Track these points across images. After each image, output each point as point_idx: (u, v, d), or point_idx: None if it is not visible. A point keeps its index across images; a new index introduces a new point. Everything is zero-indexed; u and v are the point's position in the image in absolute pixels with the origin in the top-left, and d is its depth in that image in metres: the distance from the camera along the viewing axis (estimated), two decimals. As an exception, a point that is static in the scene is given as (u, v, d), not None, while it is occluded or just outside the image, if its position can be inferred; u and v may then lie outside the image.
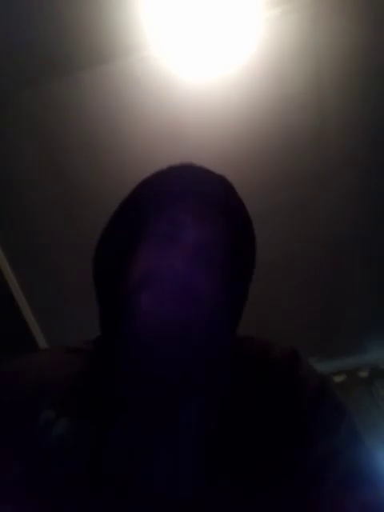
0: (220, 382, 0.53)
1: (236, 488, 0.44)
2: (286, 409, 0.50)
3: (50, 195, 1.60)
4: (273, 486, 0.44)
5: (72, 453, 0.46)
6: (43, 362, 0.59)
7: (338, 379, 1.82)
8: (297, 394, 0.52)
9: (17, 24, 1.28)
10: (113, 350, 0.56)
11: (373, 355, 1.85)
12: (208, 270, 0.57)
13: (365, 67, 1.39)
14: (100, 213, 0.64)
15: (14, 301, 1.68)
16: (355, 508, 0.42)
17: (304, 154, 1.53)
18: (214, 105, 1.43)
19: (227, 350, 0.58)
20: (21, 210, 1.62)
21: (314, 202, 1.62)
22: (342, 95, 1.44)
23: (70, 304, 1.73)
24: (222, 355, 0.57)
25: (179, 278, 0.54)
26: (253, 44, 1.35)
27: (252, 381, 0.53)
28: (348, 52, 1.37)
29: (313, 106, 1.45)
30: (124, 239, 0.62)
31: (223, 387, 0.52)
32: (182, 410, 0.49)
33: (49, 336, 1.79)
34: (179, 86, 1.41)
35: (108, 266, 0.61)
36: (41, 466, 0.46)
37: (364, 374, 1.83)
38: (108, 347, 0.58)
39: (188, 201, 0.61)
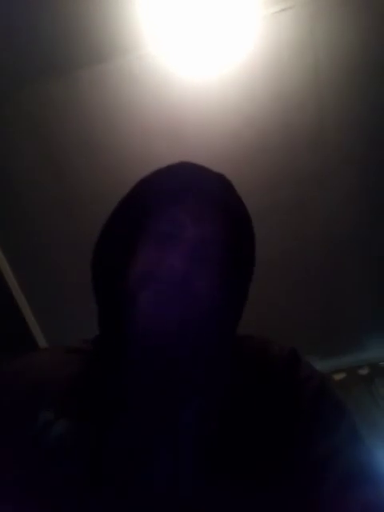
0: (220, 381, 0.53)
1: (236, 488, 0.44)
2: (286, 408, 0.50)
3: (50, 195, 1.60)
4: (273, 485, 0.44)
5: (71, 453, 0.46)
6: (43, 362, 0.59)
7: (337, 377, 1.82)
8: (296, 393, 0.52)
9: (16, 24, 1.28)
10: (112, 350, 0.56)
11: (372, 353, 1.85)
12: (207, 270, 0.57)
13: (363, 65, 1.39)
14: (100, 212, 0.63)
15: (13, 301, 1.68)
16: (356, 507, 0.42)
17: (302, 153, 1.53)
18: (212, 103, 1.43)
19: (227, 349, 0.58)
20: (21, 210, 1.61)
21: (313, 200, 1.62)
22: (340, 93, 1.43)
23: (70, 304, 1.73)
24: (221, 354, 0.57)
25: (178, 277, 0.54)
26: (251, 42, 1.34)
27: (252, 380, 0.53)
28: (346, 50, 1.37)
29: (311, 104, 1.45)
30: (123, 238, 0.62)
31: (223, 387, 0.52)
32: (182, 409, 0.49)
33: (49, 336, 1.79)
34: (177, 84, 1.40)
35: (107, 266, 0.61)
36: (40, 467, 0.46)
37: (364, 372, 1.83)
38: (107, 347, 0.58)
39: (187, 200, 0.61)
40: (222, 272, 0.59)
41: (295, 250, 1.69)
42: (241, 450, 0.46)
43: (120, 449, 0.47)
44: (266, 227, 1.47)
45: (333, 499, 0.44)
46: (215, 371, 0.54)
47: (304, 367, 0.56)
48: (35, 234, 1.66)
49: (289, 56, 1.37)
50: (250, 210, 0.64)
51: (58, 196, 1.60)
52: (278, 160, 1.54)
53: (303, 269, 1.72)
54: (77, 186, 1.58)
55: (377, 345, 1.84)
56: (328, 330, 1.82)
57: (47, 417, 0.49)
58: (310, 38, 1.35)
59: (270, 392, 0.52)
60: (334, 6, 1.31)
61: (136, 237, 0.62)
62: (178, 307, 0.53)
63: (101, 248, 0.62)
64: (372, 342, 1.84)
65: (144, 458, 0.47)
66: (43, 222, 1.64)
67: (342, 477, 0.45)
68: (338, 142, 1.51)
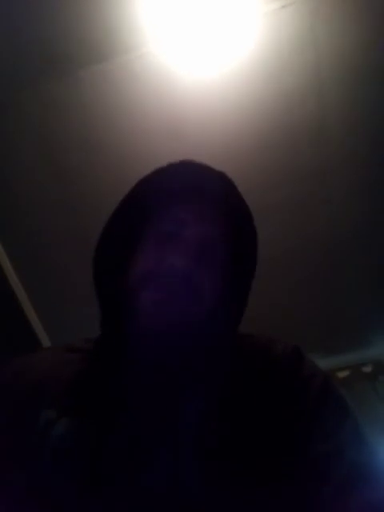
0: (220, 381, 0.53)
1: (236, 488, 0.44)
2: (289, 407, 0.50)
3: (50, 195, 1.60)
4: (274, 485, 0.44)
5: (72, 453, 0.46)
6: (44, 362, 0.58)
7: (341, 375, 1.82)
8: (300, 392, 0.52)
9: (17, 24, 1.28)
10: (113, 349, 0.56)
11: (376, 350, 1.85)
12: (209, 268, 0.57)
13: (364, 62, 1.38)
14: (100, 212, 0.63)
15: (16, 301, 1.68)
16: (358, 507, 0.42)
17: (304, 151, 1.52)
18: (213, 101, 1.43)
19: (227, 347, 0.58)
20: (21, 210, 1.62)
21: (314, 198, 1.62)
22: (341, 91, 1.43)
23: (73, 303, 1.74)
24: (222, 352, 0.57)
25: (180, 276, 0.53)
26: (251, 39, 1.34)
27: (254, 378, 0.53)
28: (347, 47, 1.36)
29: (312, 102, 1.44)
30: (124, 237, 0.62)
31: (223, 387, 0.52)
32: (183, 409, 0.49)
33: (52, 335, 1.79)
34: (179, 83, 1.40)
35: (108, 265, 0.61)
36: (41, 466, 0.46)
37: (368, 369, 1.83)
38: (108, 346, 0.58)
39: (188, 198, 0.61)
40: (223, 271, 0.59)
41: (297, 248, 1.68)
42: (241, 450, 0.46)
43: (120, 449, 0.47)
44: (267, 226, 1.46)
45: (334, 499, 0.44)
46: (216, 368, 0.54)
47: (307, 365, 0.56)
48: (35, 233, 1.66)
49: (289, 53, 1.37)
50: (251, 208, 0.64)
51: (58, 196, 1.60)
52: (279, 158, 1.53)
53: (305, 267, 1.72)
54: (77, 185, 1.58)
55: (381, 343, 1.84)
56: (329, 327, 1.82)
57: (49, 416, 0.49)
58: (311, 35, 1.34)
59: (272, 390, 0.51)
60: (335, 2, 1.30)
61: (137, 236, 0.62)
62: (179, 306, 0.53)
63: (102, 247, 0.62)
64: (376, 339, 1.84)
65: (144, 458, 0.46)
66: (43, 222, 1.65)
67: (344, 476, 0.44)
68: (340, 140, 1.51)
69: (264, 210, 1.47)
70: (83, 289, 1.54)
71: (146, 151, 1.45)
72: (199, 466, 0.45)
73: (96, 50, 1.36)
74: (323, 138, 1.51)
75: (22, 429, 0.49)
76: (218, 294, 0.57)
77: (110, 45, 1.34)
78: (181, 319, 0.52)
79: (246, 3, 1.28)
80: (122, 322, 0.56)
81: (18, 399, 0.52)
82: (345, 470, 0.45)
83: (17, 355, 0.60)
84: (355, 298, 1.76)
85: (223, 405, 0.50)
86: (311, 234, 1.67)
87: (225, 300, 0.58)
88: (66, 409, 0.49)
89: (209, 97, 1.42)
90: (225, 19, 1.30)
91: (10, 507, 0.44)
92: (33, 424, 0.48)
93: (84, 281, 0.71)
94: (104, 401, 0.51)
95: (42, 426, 0.48)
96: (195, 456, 0.46)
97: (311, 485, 0.45)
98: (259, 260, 0.64)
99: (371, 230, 1.66)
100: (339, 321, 1.81)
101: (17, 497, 0.45)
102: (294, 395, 0.51)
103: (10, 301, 1.67)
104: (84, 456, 0.46)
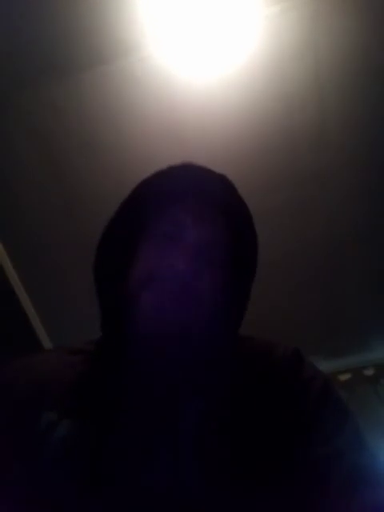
0: (220, 381, 0.53)
1: (236, 488, 0.44)
2: (289, 409, 0.50)
3: (50, 195, 1.60)
4: (274, 486, 0.44)
5: (73, 454, 0.46)
6: (45, 363, 0.58)
7: (343, 378, 1.81)
8: (300, 394, 0.52)
9: (17, 24, 1.28)
10: (113, 351, 0.56)
11: (378, 353, 1.84)
12: (208, 270, 0.57)
13: (365, 65, 1.38)
14: (100, 213, 0.63)
15: (17, 300, 1.68)
16: (359, 510, 0.42)
17: (304, 154, 1.53)
18: (213, 104, 1.43)
19: (228, 350, 0.58)
20: (21, 210, 1.62)
21: (314, 202, 1.62)
22: (342, 94, 1.43)
23: (73, 303, 1.73)
24: (222, 355, 0.57)
25: (179, 278, 0.53)
26: (252, 42, 1.34)
27: (254, 381, 0.53)
28: (348, 50, 1.36)
29: (313, 106, 1.45)
30: (124, 239, 0.62)
31: (223, 387, 0.52)
32: (183, 410, 0.49)
33: (52, 335, 1.79)
34: (179, 86, 1.40)
35: (109, 267, 0.61)
36: (42, 467, 0.46)
37: (369, 372, 1.82)
38: (109, 348, 0.58)
39: (188, 201, 0.61)
40: (223, 273, 0.59)
41: (297, 251, 1.68)
42: (241, 450, 0.46)
43: (120, 449, 0.47)
44: (267, 229, 1.45)
45: (335, 501, 0.44)
46: (216, 372, 0.54)
47: (307, 367, 0.56)
48: (35, 234, 1.66)
49: (290, 57, 1.37)
50: (252, 211, 0.64)
51: (57, 196, 1.60)
52: (280, 161, 1.54)
53: (305, 270, 1.72)
54: (77, 186, 1.58)
55: (382, 345, 1.84)
56: (330, 330, 1.82)
57: (50, 417, 0.49)
58: (312, 39, 1.35)
59: (272, 391, 0.52)
60: (335, 6, 1.30)
61: (137, 237, 0.62)
62: (179, 308, 0.53)
63: (102, 249, 0.62)
64: (377, 342, 1.84)
65: (144, 458, 0.47)
66: (44, 222, 1.65)
67: (344, 479, 0.45)
68: (340, 144, 1.51)
69: (264, 213, 1.47)
70: (83, 289, 1.54)
71: (147, 154, 1.45)
72: (199, 466, 0.45)
73: (97, 53, 1.36)
74: (323, 142, 1.51)
75: (22, 429, 0.49)
76: (218, 297, 0.57)
77: (110, 47, 1.35)
78: (180, 320, 0.52)
79: (247, 6, 1.28)
80: (122, 322, 0.56)
81: (19, 400, 0.52)
82: (345, 473, 0.45)
83: (17, 355, 0.60)
84: (356, 301, 1.76)
85: (223, 405, 0.50)
86: (311, 237, 1.67)
87: (225, 302, 0.58)
88: (67, 411, 0.49)
89: (209, 100, 1.43)
90: (225, 22, 1.30)
91: (10, 507, 0.44)
92: (33, 425, 0.48)
93: (84, 281, 0.71)
94: (104, 401, 0.51)
95: (43, 428, 0.48)
96: (195, 456, 0.46)
97: (311, 487, 0.45)
98: (259, 263, 0.64)
99: (371, 234, 1.66)
100: (340, 323, 1.81)
101: (17, 497, 0.45)
102: (293, 397, 0.51)
103: (11, 301, 1.67)
104: (84, 456, 0.46)
